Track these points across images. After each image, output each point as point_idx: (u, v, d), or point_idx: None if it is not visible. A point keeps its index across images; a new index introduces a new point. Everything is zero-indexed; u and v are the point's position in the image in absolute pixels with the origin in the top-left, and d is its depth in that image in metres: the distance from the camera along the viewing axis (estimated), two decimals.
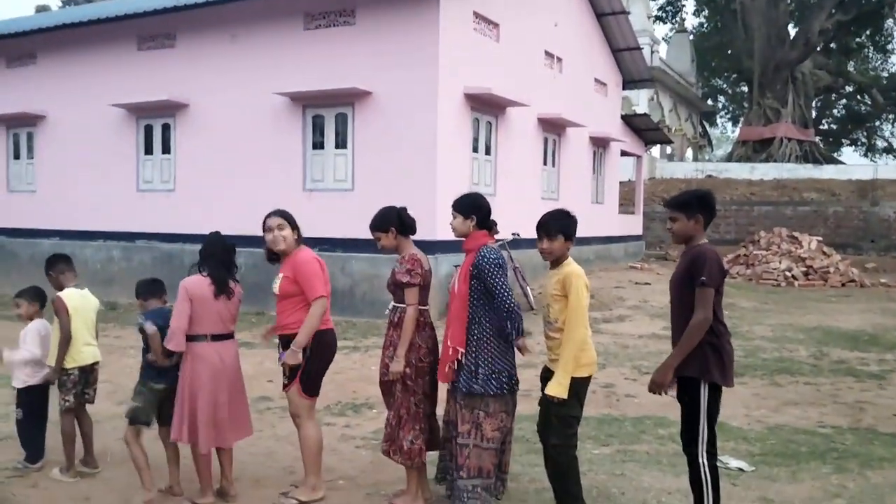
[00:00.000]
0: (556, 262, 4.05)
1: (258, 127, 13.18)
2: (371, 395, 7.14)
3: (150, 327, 4.46)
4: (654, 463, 5.17)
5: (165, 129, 14.37)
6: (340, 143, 12.64)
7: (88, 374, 5.01)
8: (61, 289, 5.02)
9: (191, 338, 4.37)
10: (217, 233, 4.61)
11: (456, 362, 4.13)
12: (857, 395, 7.41)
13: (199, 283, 4.40)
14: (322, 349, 4.44)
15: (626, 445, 5.62)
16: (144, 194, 14.64)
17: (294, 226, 4.53)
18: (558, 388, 3.82)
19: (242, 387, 4.66)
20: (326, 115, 12.72)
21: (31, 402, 5.06)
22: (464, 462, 4.08)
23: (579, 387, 3.92)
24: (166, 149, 14.38)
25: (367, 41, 12.25)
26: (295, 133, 12.91)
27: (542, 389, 4.03)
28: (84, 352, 4.93)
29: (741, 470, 4.99)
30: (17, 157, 16.53)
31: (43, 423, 5.16)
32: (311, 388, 4.46)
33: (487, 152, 13.59)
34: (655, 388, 3.83)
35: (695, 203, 3.90)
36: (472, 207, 4.24)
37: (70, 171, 15.38)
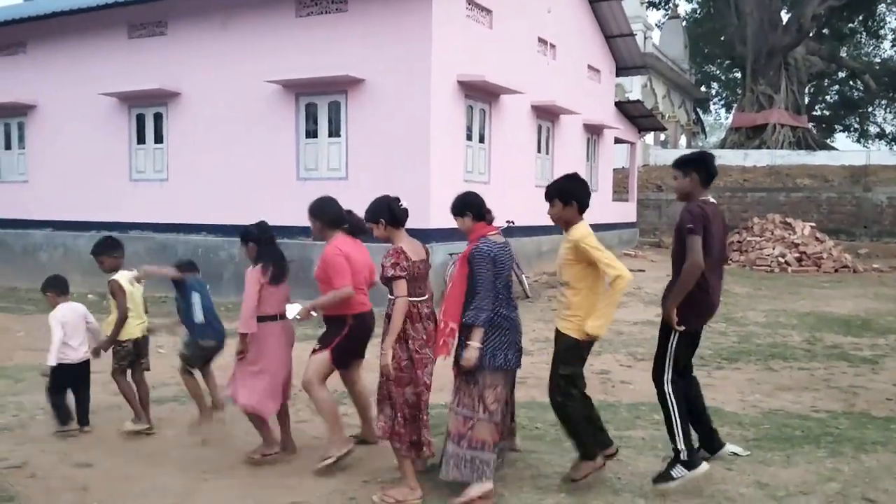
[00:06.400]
0: (567, 226, 4.38)
1: (251, 115, 13.12)
2: (366, 382, 7.13)
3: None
4: (649, 448, 5.20)
5: (157, 117, 14.29)
6: (334, 131, 12.60)
7: (142, 345, 5.67)
8: (115, 271, 5.57)
9: (261, 318, 4.88)
10: (264, 222, 5.16)
11: (456, 339, 4.30)
12: (851, 380, 7.46)
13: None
14: (359, 329, 4.96)
15: (621, 431, 5.64)
16: (137, 184, 14.58)
17: (317, 216, 5.03)
18: (597, 326, 4.21)
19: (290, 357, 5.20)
20: (319, 103, 12.67)
21: (59, 377, 5.55)
22: (465, 432, 4.23)
23: (583, 349, 4.34)
24: (158, 138, 14.32)
25: (360, 28, 12.18)
26: (288, 121, 12.86)
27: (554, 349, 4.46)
28: (135, 327, 5.56)
29: (736, 454, 5.01)
30: (7, 147, 16.43)
31: (66, 393, 5.62)
32: (341, 361, 4.98)
33: (481, 140, 13.56)
34: (666, 321, 4.39)
35: (690, 162, 4.44)
36: (464, 206, 4.52)
37: (62, 161, 15.31)
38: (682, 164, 4.47)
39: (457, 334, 4.29)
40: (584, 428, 4.43)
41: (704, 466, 4.35)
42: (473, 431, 4.22)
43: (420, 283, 4.41)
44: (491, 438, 4.25)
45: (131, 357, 5.59)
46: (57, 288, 5.68)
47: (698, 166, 4.41)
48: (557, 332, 4.42)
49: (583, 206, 4.37)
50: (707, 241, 4.25)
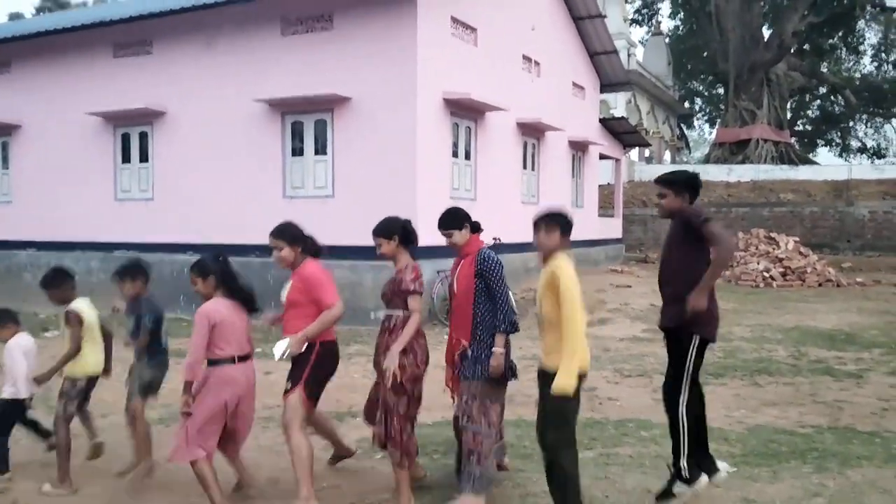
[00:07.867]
0: (547, 257, 4.13)
1: (237, 134, 13.12)
2: (354, 403, 7.10)
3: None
4: (636, 465, 5.21)
5: (143, 137, 14.26)
6: (320, 149, 12.62)
7: (93, 383, 5.08)
8: (68, 302, 5.00)
9: (214, 361, 4.31)
10: (220, 253, 4.70)
11: (462, 354, 4.43)
12: (836, 395, 7.50)
13: (219, 307, 4.39)
14: (326, 358, 4.55)
15: (608, 448, 5.65)
16: (123, 203, 14.52)
17: (290, 241, 4.60)
18: (564, 382, 3.82)
19: (253, 402, 4.67)
20: (306, 122, 12.69)
21: (7, 414, 5.10)
22: (476, 448, 4.30)
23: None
24: (144, 157, 14.28)
25: (346, 47, 12.24)
26: (274, 140, 12.87)
27: (540, 390, 4.09)
28: (94, 362, 5.01)
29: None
30: None
31: (7, 436, 5.14)
32: (314, 393, 4.53)
33: (467, 157, 13.62)
34: (695, 310, 4.29)
35: (682, 182, 4.51)
36: (462, 218, 4.62)
37: (47, 181, 15.22)
38: (672, 182, 4.52)
39: (468, 351, 4.40)
40: (578, 496, 4.03)
41: (704, 479, 4.43)
42: (482, 448, 4.29)
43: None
44: (489, 450, 4.33)
45: (81, 397, 4.99)
46: (13, 319, 5.22)
47: (690, 187, 4.52)
48: (542, 370, 4.10)
49: (565, 233, 4.16)
50: (705, 248, 4.34)
